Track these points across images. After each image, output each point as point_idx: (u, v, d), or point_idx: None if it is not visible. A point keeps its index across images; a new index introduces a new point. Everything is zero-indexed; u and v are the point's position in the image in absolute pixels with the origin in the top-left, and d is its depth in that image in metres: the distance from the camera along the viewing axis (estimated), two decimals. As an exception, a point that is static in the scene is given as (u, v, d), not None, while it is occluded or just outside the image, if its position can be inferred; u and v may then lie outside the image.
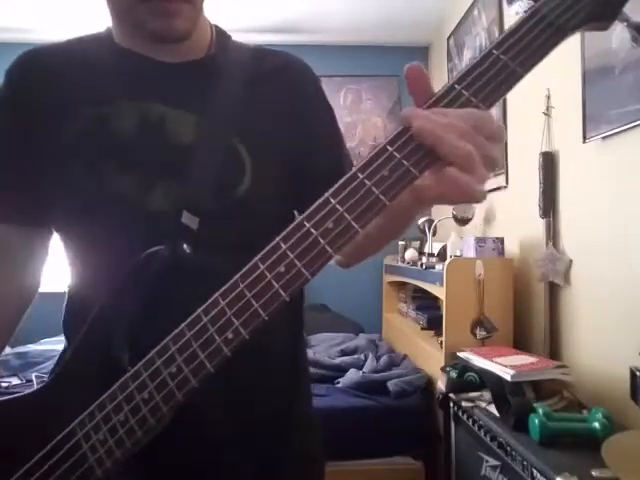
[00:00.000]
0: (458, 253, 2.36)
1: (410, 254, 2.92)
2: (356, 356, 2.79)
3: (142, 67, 0.74)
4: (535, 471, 1.27)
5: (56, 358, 0.76)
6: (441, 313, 2.27)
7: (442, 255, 2.58)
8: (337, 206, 0.52)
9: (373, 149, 0.53)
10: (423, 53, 3.85)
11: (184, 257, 0.66)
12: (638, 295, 1.51)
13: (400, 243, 3.19)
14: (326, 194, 0.53)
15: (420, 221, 2.94)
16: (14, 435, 0.64)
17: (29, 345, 2.98)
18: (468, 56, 2.91)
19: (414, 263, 2.82)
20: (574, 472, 1.15)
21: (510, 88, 0.51)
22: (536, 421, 1.37)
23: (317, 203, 0.53)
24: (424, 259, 2.70)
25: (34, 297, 0.83)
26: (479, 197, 0.50)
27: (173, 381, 0.57)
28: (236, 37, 0.85)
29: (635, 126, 1.49)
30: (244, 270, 0.55)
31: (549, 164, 1.96)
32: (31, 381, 2.52)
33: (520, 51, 0.51)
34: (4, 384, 2.48)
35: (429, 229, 2.85)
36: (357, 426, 2.24)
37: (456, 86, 0.51)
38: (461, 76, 0.52)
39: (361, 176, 0.52)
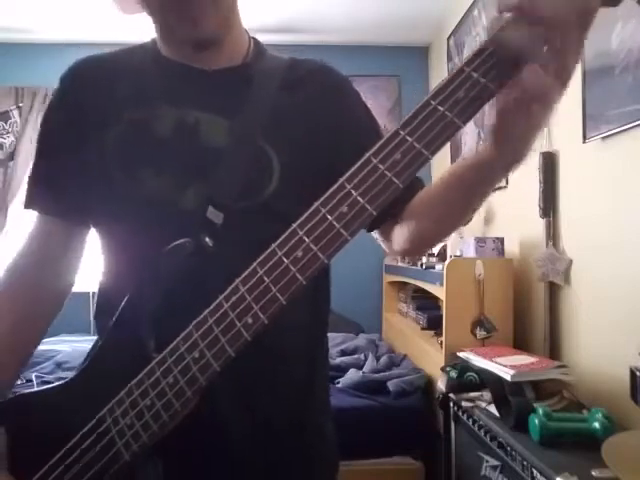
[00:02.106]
0: (458, 253, 2.36)
1: (410, 254, 2.92)
2: (356, 356, 2.79)
3: (180, 74, 0.79)
4: (535, 471, 1.27)
5: (88, 350, 0.78)
6: (441, 313, 2.26)
7: (442, 255, 2.58)
8: (351, 190, 0.55)
9: (387, 132, 0.55)
10: (423, 53, 3.85)
11: (206, 250, 0.69)
12: (638, 295, 1.51)
13: (400, 243, 3.19)
14: (340, 179, 0.56)
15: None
16: (49, 423, 0.69)
17: (29, 345, 2.98)
18: (468, 56, 2.91)
19: (414, 263, 2.82)
20: (574, 472, 1.15)
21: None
22: (536, 421, 1.37)
23: (332, 189, 0.56)
24: (424, 259, 2.70)
25: (68, 295, 0.87)
26: (554, 90, 0.50)
27: (196, 365, 0.60)
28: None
29: (635, 126, 1.49)
30: (263, 257, 0.58)
31: (549, 164, 1.96)
32: (31, 381, 2.52)
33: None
34: (4, 384, 2.48)
35: (429, 229, 2.85)
36: (357, 426, 2.24)
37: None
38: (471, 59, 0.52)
39: (374, 160, 0.54)
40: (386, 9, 3.27)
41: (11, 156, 3.54)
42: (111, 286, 0.80)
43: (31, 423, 0.70)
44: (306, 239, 0.56)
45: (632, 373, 1.23)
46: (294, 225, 0.57)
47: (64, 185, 0.81)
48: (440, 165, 3.53)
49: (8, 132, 3.57)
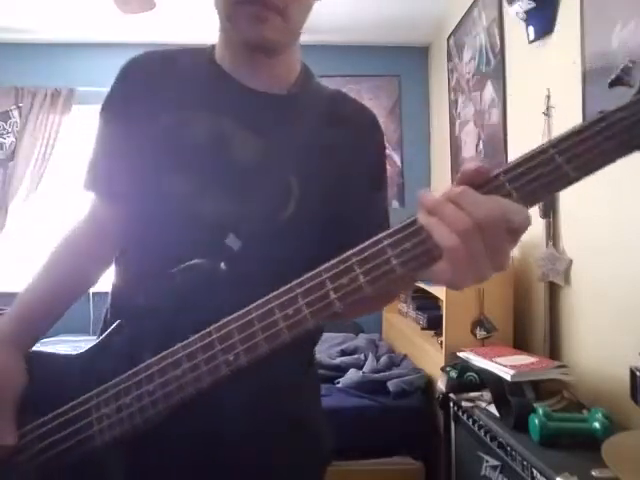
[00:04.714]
0: (458, 253, 2.35)
1: (410, 254, 2.92)
2: (356, 356, 2.79)
3: (226, 85, 0.81)
4: (535, 471, 1.27)
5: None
6: (441, 313, 2.26)
7: (442, 255, 2.58)
8: (356, 267, 0.54)
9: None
10: (423, 53, 3.85)
11: (218, 274, 0.70)
12: (638, 295, 1.51)
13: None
14: (349, 252, 0.55)
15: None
16: (49, 385, 0.72)
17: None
18: (468, 56, 2.91)
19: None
20: (574, 472, 1.16)
21: (557, 191, 0.50)
22: (536, 421, 1.37)
23: (337, 259, 0.55)
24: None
25: (101, 275, 0.88)
26: (460, 287, 0.51)
27: (175, 382, 0.61)
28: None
29: (635, 126, 1.49)
30: (258, 304, 0.59)
31: (549, 164, 1.96)
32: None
33: (578, 155, 0.49)
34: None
35: (429, 229, 2.85)
36: (357, 426, 2.24)
37: (501, 176, 0.50)
38: (510, 167, 0.50)
39: (385, 242, 0.53)
40: (386, 9, 3.27)
41: (11, 156, 3.54)
42: (123, 288, 0.83)
43: (38, 379, 0.73)
44: (300, 300, 0.56)
45: (632, 373, 1.23)
46: (294, 286, 0.57)
47: (120, 173, 0.82)
48: (439, 163, 3.53)
49: (8, 132, 3.57)
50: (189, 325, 0.63)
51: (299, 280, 0.56)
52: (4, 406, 0.70)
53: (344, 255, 0.55)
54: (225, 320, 0.59)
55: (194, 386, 0.60)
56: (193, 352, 0.60)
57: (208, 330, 0.60)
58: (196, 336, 0.61)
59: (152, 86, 0.81)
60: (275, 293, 0.57)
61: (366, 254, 0.54)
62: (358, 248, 0.54)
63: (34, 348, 0.78)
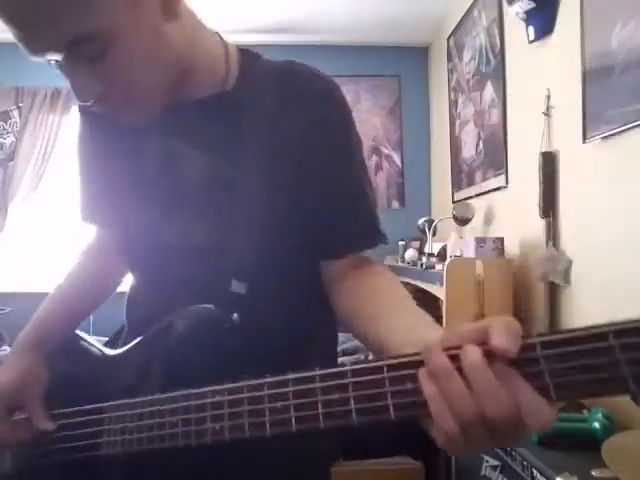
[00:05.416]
0: (458, 253, 2.36)
1: (410, 254, 2.92)
2: (356, 356, 2.79)
3: (169, 104, 0.74)
4: (535, 471, 1.27)
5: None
6: (441, 313, 2.26)
7: (442, 255, 2.58)
8: (350, 387, 0.47)
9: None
10: (423, 53, 3.85)
11: (233, 326, 0.69)
12: (638, 295, 1.51)
13: (400, 243, 3.19)
14: (348, 367, 0.48)
15: (420, 221, 2.94)
16: (75, 379, 0.79)
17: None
18: (468, 56, 2.91)
19: (414, 263, 2.82)
20: (574, 472, 1.16)
21: (604, 395, 0.39)
22: (536, 421, 1.37)
23: (334, 370, 0.49)
24: (424, 259, 2.70)
25: (114, 291, 0.97)
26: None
27: (171, 429, 0.59)
28: (235, 38, 0.84)
29: (635, 126, 1.49)
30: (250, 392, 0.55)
31: (549, 164, 1.96)
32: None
33: None
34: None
35: (429, 229, 2.85)
36: (357, 426, 2.24)
37: (537, 348, 0.40)
38: (552, 340, 0.40)
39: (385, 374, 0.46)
40: (386, 9, 3.27)
41: (11, 156, 3.54)
42: (134, 292, 0.87)
43: (69, 368, 0.82)
44: (290, 399, 0.51)
45: (632, 373, 1.22)
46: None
47: (112, 202, 0.85)
48: (439, 163, 3.53)
49: (8, 132, 3.57)
50: (197, 369, 0.63)
51: (295, 375, 0.50)
52: (35, 400, 0.76)
53: (342, 368, 0.47)
54: (220, 387, 0.55)
55: (183, 440, 0.58)
56: (187, 407, 0.58)
57: (204, 390, 0.57)
58: (194, 391, 0.58)
59: (103, 122, 0.79)
60: (270, 380, 0.51)
61: (363, 379, 0.47)
62: (358, 366, 0.47)
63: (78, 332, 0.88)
